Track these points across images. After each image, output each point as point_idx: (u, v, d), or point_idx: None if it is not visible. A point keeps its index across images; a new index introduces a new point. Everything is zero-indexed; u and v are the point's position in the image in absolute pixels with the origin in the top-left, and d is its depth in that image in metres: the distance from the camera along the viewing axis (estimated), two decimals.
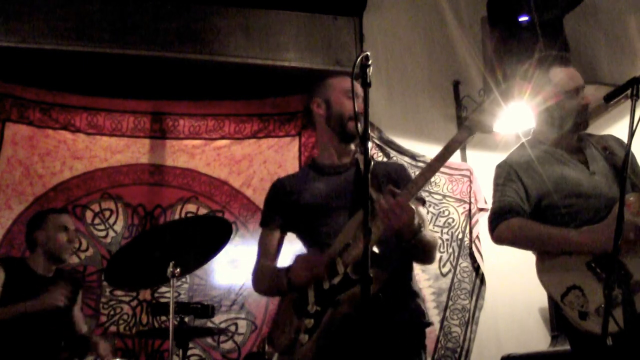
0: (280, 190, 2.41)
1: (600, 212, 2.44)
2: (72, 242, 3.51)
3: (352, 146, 2.34)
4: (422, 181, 2.04)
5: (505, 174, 2.62)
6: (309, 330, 2.04)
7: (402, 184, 2.23)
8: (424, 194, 4.26)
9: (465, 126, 2.08)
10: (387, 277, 1.97)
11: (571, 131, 2.64)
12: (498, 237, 2.58)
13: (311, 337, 2.02)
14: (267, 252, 2.39)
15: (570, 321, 2.35)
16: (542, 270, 2.49)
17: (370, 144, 1.71)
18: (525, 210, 2.54)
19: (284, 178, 2.49)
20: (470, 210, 4.44)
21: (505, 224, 2.53)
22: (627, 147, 2.12)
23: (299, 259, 2.17)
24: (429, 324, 2.21)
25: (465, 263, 4.37)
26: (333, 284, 2.06)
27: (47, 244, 3.40)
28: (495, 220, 2.56)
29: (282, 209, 2.36)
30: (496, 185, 2.65)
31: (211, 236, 3.09)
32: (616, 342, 2.11)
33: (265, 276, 2.33)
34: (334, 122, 2.33)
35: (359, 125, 1.77)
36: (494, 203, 2.63)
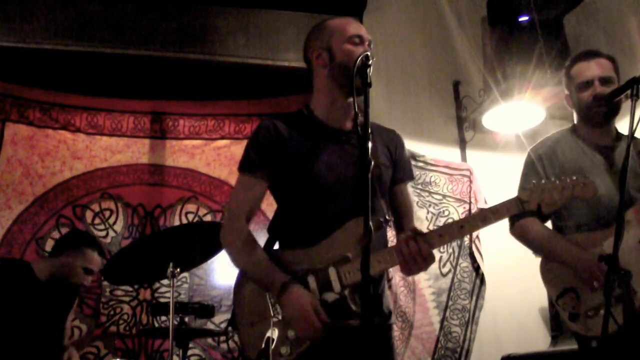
0: (273, 132, 2.07)
1: (608, 214, 2.44)
2: (82, 285, 3.42)
3: (353, 109, 1.91)
4: (451, 236, 1.91)
5: (532, 164, 2.66)
6: (291, 342, 1.88)
7: (398, 153, 2.19)
8: (424, 194, 4.36)
9: (520, 200, 1.89)
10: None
11: (594, 125, 2.63)
12: (513, 233, 2.66)
13: (292, 352, 1.87)
14: (246, 204, 2.06)
15: (562, 320, 2.41)
16: (545, 269, 2.56)
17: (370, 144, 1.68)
18: None
19: (275, 119, 2.13)
20: (470, 210, 4.43)
21: (520, 223, 2.59)
22: (627, 148, 2.12)
23: (298, 300, 1.86)
24: (393, 324, 2.12)
25: (465, 263, 4.37)
26: (325, 299, 1.89)
27: (64, 268, 3.32)
28: (514, 217, 2.60)
29: (273, 153, 2.05)
30: (522, 172, 2.69)
31: (211, 240, 3.09)
32: (602, 345, 2.20)
33: (243, 252, 2.02)
34: (338, 74, 2.05)
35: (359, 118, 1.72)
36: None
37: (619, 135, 2.67)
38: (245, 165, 2.09)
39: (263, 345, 1.87)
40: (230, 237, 2.07)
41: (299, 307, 1.86)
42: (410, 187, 2.27)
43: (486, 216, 1.89)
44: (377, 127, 2.19)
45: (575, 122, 2.75)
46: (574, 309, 2.36)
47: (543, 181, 1.90)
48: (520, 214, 2.57)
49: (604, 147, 2.62)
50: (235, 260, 2.07)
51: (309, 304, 1.86)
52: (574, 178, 1.90)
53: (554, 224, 2.72)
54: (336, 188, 2.02)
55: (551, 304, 2.54)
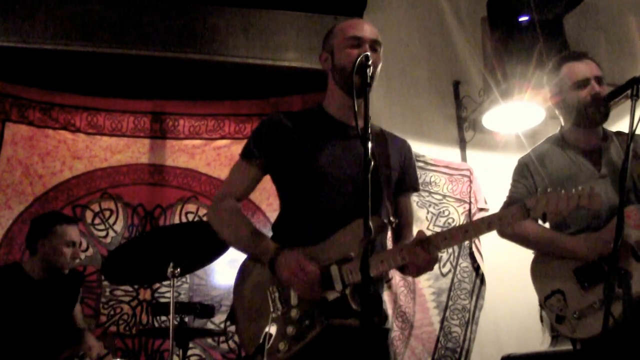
0: (278, 124, 2.13)
1: (600, 218, 2.46)
2: (76, 259, 3.35)
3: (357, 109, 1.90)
4: (456, 240, 1.93)
5: (520, 170, 2.67)
6: (289, 338, 1.88)
7: (407, 161, 2.21)
8: (424, 194, 4.36)
9: (525, 207, 1.88)
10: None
11: (589, 126, 2.60)
12: (504, 234, 2.64)
13: (290, 348, 1.87)
14: (238, 186, 2.14)
15: (550, 322, 2.44)
16: (534, 271, 2.58)
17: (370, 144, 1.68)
18: None
19: (283, 112, 2.21)
20: (470, 210, 4.43)
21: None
22: (627, 149, 2.12)
23: (294, 260, 1.89)
24: (390, 329, 2.13)
25: (465, 263, 4.37)
26: (325, 297, 1.89)
27: (49, 256, 3.27)
28: None
29: (274, 145, 2.11)
30: (512, 179, 2.70)
31: (212, 241, 3.09)
32: (587, 346, 2.28)
33: (234, 225, 2.07)
34: (337, 76, 2.10)
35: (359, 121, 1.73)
36: (506, 197, 2.68)
37: (606, 135, 2.65)
38: (244, 153, 2.18)
39: (261, 341, 1.88)
40: (217, 211, 2.14)
41: (290, 268, 1.89)
42: (412, 198, 2.28)
43: (492, 222, 1.91)
44: (389, 134, 2.24)
45: (563, 124, 2.73)
46: (560, 311, 2.39)
47: (549, 190, 1.90)
48: None
49: (591, 151, 2.60)
50: (223, 232, 2.12)
51: (299, 262, 1.89)
52: (580, 188, 1.91)
53: None
54: (339, 182, 2.04)
55: (538, 304, 2.54)
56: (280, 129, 2.12)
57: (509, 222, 1.94)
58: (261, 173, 2.16)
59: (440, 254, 4.26)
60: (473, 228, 1.95)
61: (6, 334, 3.16)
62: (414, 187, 2.26)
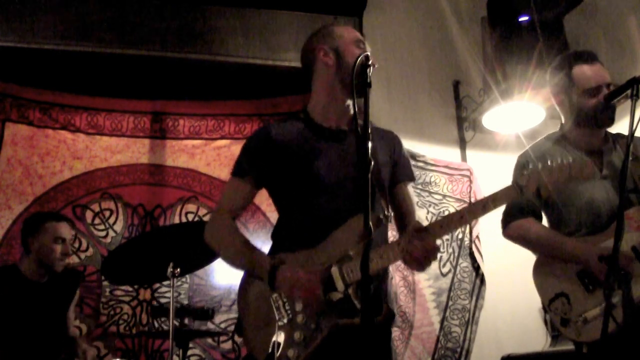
0: (266, 139, 2.16)
1: (601, 218, 2.46)
2: (67, 255, 3.37)
3: (350, 109, 2.11)
4: (452, 226, 1.92)
5: (523, 168, 2.63)
6: (298, 344, 1.89)
7: (397, 153, 2.22)
8: (424, 194, 4.36)
9: (518, 185, 1.88)
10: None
11: (594, 128, 2.61)
12: (508, 235, 2.65)
13: (299, 354, 1.87)
14: (232, 203, 2.17)
15: (553, 325, 2.43)
16: (537, 274, 2.57)
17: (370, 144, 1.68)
18: (537, 206, 2.60)
19: (270, 126, 2.24)
20: None
21: (516, 224, 2.59)
22: (627, 148, 2.11)
23: (293, 273, 1.91)
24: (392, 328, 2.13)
25: (465, 263, 4.37)
26: (329, 299, 1.90)
27: (40, 252, 3.30)
28: (508, 218, 2.62)
29: (265, 159, 2.13)
30: (514, 176, 2.66)
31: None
32: (592, 350, 2.25)
33: (228, 242, 2.11)
34: (344, 73, 2.11)
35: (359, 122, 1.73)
36: None
37: (607, 137, 2.65)
38: (235, 170, 2.20)
39: (270, 349, 1.88)
40: (213, 230, 2.16)
41: (294, 279, 1.91)
42: (411, 187, 2.28)
43: (486, 204, 1.89)
44: (376, 128, 2.22)
45: (564, 123, 2.72)
46: (565, 314, 2.37)
47: (540, 165, 1.89)
48: (514, 215, 2.58)
49: (592, 152, 2.59)
50: (220, 253, 2.16)
51: (303, 273, 1.91)
52: (570, 159, 1.90)
53: None
54: (335, 187, 2.05)
55: (542, 307, 2.53)
56: (269, 143, 2.14)
57: (503, 202, 1.92)
58: (255, 189, 2.19)
59: (440, 254, 4.31)
60: (469, 212, 1.92)
61: (3, 335, 3.16)
62: (409, 177, 2.27)
